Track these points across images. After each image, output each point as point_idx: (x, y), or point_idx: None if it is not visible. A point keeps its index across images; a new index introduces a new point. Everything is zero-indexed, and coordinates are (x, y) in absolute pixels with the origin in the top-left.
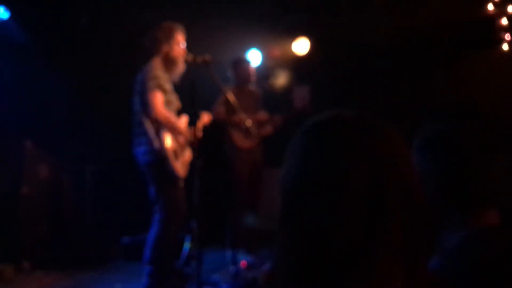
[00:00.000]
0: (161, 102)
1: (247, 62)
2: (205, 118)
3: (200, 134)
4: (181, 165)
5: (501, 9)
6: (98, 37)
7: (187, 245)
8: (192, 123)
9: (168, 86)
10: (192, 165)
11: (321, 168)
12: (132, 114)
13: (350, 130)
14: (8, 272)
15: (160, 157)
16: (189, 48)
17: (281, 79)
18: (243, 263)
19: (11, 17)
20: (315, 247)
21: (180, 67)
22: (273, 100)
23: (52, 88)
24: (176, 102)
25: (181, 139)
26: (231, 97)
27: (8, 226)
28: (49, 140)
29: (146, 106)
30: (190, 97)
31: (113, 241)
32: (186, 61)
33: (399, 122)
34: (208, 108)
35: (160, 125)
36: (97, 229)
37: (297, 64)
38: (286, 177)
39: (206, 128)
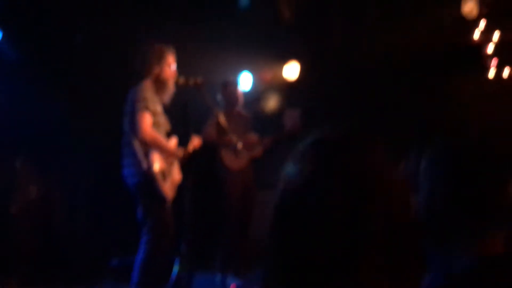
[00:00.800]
0: (149, 123)
1: (235, 85)
2: (196, 141)
3: (189, 156)
4: (169, 186)
5: (487, 37)
6: (91, 56)
7: (176, 268)
8: (183, 144)
9: (158, 108)
10: (182, 186)
11: (303, 189)
12: (122, 134)
13: (329, 150)
14: None
15: (148, 178)
16: (182, 70)
17: (272, 102)
18: (232, 286)
19: (4, 36)
20: (299, 268)
21: (171, 89)
22: (264, 123)
23: (43, 107)
24: (165, 124)
25: (170, 160)
26: (222, 119)
27: None
28: (40, 159)
29: (133, 127)
30: (182, 119)
31: (103, 261)
32: (178, 84)
33: (390, 143)
34: (199, 129)
35: (148, 146)
36: (87, 249)
37: (287, 87)
38: (275, 200)
39: (196, 151)
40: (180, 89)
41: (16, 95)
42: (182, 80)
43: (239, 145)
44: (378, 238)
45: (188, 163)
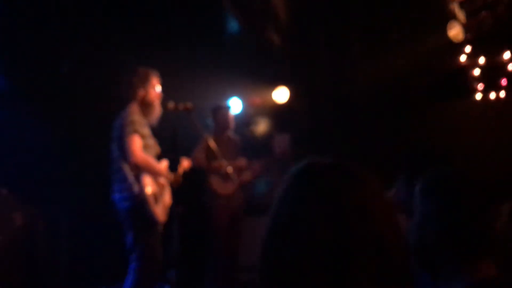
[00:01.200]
0: (139, 146)
1: (227, 110)
2: (185, 163)
3: (179, 179)
4: (161, 210)
5: (473, 60)
6: (78, 85)
7: None
8: (173, 168)
9: (146, 131)
10: (172, 212)
11: (290, 214)
12: (110, 161)
13: (317, 176)
14: None
15: (139, 202)
16: (171, 95)
17: (261, 127)
18: None
19: None
20: None
21: (157, 111)
22: (253, 147)
23: (28, 135)
24: (155, 147)
25: (162, 182)
26: (211, 143)
27: None
28: (24, 187)
29: (124, 151)
30: (172, 143)
31: None
32: (168, 108)
33: (378, 168)
34: (189, 154)
35: (139, 170)
36: (72, 278)
37: (277, 112)
38: (266, 225)
39: (185, 174)
40: (170, 114)
41: (1, 123)
42: (171, 105)
43: (229, 169)
44: (368, 263)
45: (178, 188)
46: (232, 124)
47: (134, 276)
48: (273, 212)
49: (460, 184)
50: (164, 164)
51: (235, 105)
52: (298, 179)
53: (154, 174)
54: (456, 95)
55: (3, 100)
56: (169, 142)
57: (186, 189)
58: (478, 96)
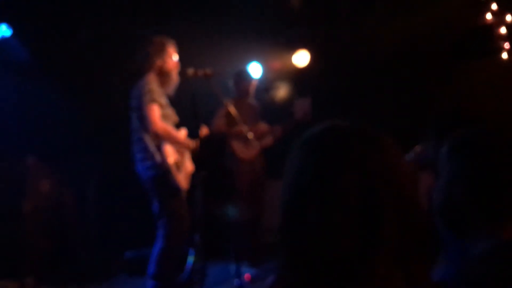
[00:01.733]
0: (158, 115)
1: (248, 76)
2: (204, 131)
3: (198, 147)
4: (183, 177)
5: (499, 18)
6: (98, 54)
7: (190, 259)
8: (194, 135)
9: (164, 100)
10: (194, 178)
11: (315, 180)
12: (130, 131)
13: (342, 141)
14: None
15: (162, 170)
16: (190, 61)
17: (281, 91)
18: (247, 276)
19: (13, 35)
20: (313, 258)
21: (174, 80)
22: (274, 113)
23: (53, 103)
24: (173, 116)
25: (182, 151)
26: (232, 109)
27: (11, 242)
28: (51, 155)
29: (144, 121)
30: (192, 110)
31: (116, 256)
32: (188, 75)
33: (401, 130)
34: (209, 120)
35: (160, 139)
36: (100, 243)
37: (297, 76)
38: (284, 190)
39: (204, 141)
40: (189, 80)
41: (26, 92)
42: (191, 71)
43: (250, 135)
44: (391, 224)
45: (199, 154)
46: (253, 90)
47: (162, 241)
48: (294, 175)
49: (489, 143)
50: (183, 133)
51: (255, 70)
52: (319, 143)
53: (174, 143)
54: (481, 54)
55: (27, 72)
56: (189, 108)
57: (208, 155)
58: (504, 55)
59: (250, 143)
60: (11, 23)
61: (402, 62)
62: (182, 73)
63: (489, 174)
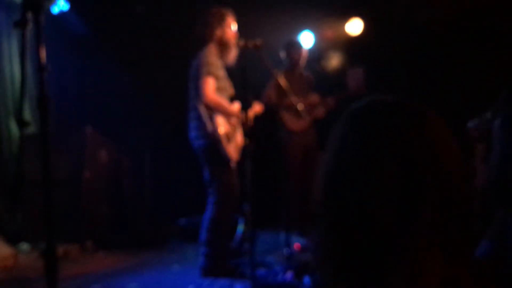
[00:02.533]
0: (212, 88)
1: (300, 45)
2: (257, 107)
3: (251, 122)
4: (233, 149)
5: None
6: (155, 26)
7: (240, 228)
8: (244, 108)
9: (222, 73)
10: (244, 149)
11: (356, 154)
12: (188, 99)
13: (384, 116)
14: (73, 252)
15: (213, 140)
16: (240, 32)
17: (334, 61)
18: (296, 245)
19: (71, 9)
20: (351, 232)
21: (234, 51)
22: (326, 83)
23: (110, 75)
24: (229, 89)
25: (234, 123)
26: (282, 80)
27: (72, 208)
28: (109, 126)
29: (198, 92)
30: (242, 82)
31: (170, 223)
32: (238, 46)
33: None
34: (259, 92)
35: (212, 110)
36: (155, 210)
37: (350, 45)
38: (326, 163)
39: (257, 117)
40: (240, 51)
41: (83, 66)
42: (241, 42)
43: (300, 106)
44: (432, 200)
45: (250, 129)
46: (304, 60)
47: (213, 209)
48: (335, 150)
49: None
50: (236, 106)
51: (306, 40)
52: (362, 118)
53: (226, 115)
54: None
55: (84, 45)
56: (239, 80)
57: (260, 126)
58: None
59: (301, 115)
60: None
61: (461, 31)
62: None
63: None
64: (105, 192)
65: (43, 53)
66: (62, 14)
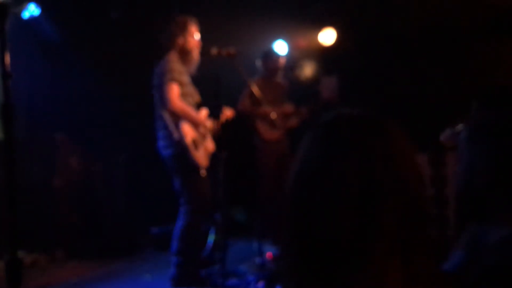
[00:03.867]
0: (176, 94)
1: (276, 55)
2: (228, 113)
3: (219, 128)
4: (202, 156)
5: None
6: (128, 32)
7: (211, 237)
8: (215, 116)
9: (185, 79)
10: (215, 158)
11: (317, 164)
12: (154, 108)
13: (344, 128)
14: (42, 261)
15: (180, 149)
16: (214, 40)
17: (307, 70)
18: (269, 254)
19: (42, 14)
20: (312, 240)
21: (196, 59)
22: (299, 91)
23: (82, 81)
24: (195, 95)
25: (202, 130)
26: (255, 89)
27: (42, 216)
28: (80, 133)
29: (162, 99)
30: (214, 90)
31: (143, 231)
32: (211, 54)
33: (431, 109)
34: (233, 100)
35: (178, 117)
36: (127, 219)
37: (324, 54)
38: (292, 173)
39: (228, 123)
40: (213, 60)
41: (54, 71)
42: (215, 51)
43: (273, 115)
44: (390, 211)
45: (222, 134)
46: (281, 69)
47: (184, 218)
48: (300, 161)
49: (510, 127)
50: (203, 113)
51: (280, 48)
52: (325, 130)
53: (192, 122)
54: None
55: (55, 50)
56: (212, 88)
57: (233, 134)
58: None
59: (275, 124)
60: (39, 2)
61: (433, 39)
62: (206, 53)
63: (509, 159)
64: (76, 199)
65: (7, 60)
66: (33, 19)
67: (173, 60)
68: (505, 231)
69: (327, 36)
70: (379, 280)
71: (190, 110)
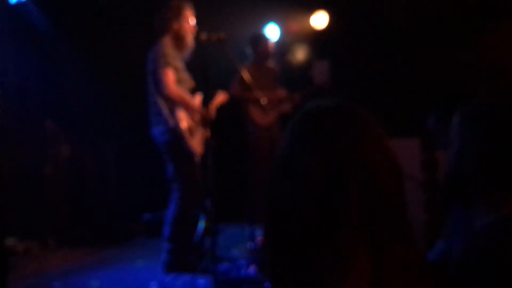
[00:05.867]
0: (172, 79)
1: (267, 39)
2: (221, 97)
3: (213, 113)
4: (197, 143)
5: None
6: (117, 16)
7: (201, 224)
8: (205, 102)
9: (180, 64)
10: (206, 144)
11: (285, 157)
12: (147, 94)
13: (312, 119)
14: (34, 249)
15: (175, 135)
16: (204, 25)
17: (299, 55)
18: (261, 239)
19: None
20: (284, 234)
21: (190, 44)
22: (291, 76)
23: (71, 68)
24: (189, 81)
25: (196, 117)
26: (246, 75)
27: (33, 204)
28: (70, 119)
29: (158, 84)
30: (203, 76)
31: (135, 218)
32: (201, 40)
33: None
34: (223, 86)
35: (173, 103)
36: (119, 206)
37: (316, 38)
38: (271, 166)
39: (222, 107)
40: (203, 46)
41: (44, 57)
42: (204, 36)
43: (263, 101)
44: (355, 200)
45: (212, 121)
46: (272, 53)
47: (176, 204)
48: (277, 153)
49: (502, 115)
50: (197, 99)
51: (272, 32)
52: (295, 121)
53: (187, 108)
54: (506, 15)
55: (44, 37)
56: (201, 75)
57: (226, 120)
58: None
59: (267, 109)
60: None
61: (426, 22)
62: (195, 38)
63: (499, 147)
64: (68, 187)
65: None
66: (20, 4)
67: (167, 45)
68: (491, 217)
69: (319, 20)
70: (347, 268)
71: (186, 97)
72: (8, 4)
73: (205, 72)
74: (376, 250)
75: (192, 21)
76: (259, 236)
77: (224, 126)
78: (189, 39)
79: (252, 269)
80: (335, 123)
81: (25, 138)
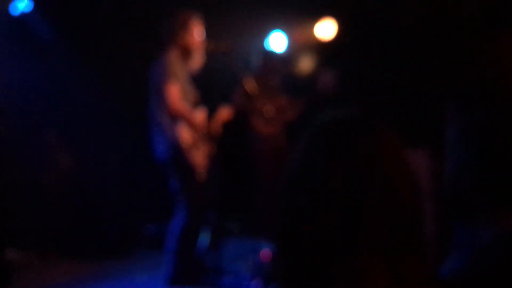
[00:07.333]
0: (176, 94)
1: (272, 50)
2: (225, 113)
3: (219, 129)
4: (200, 157)
5: None
6: (121, 28)
7: (205, 236)
8: (209, 115)
9: (184, 78)
10: (211, 159)
11: (303, 167)
12: (150, 113)
13: (331, 130)
14: (34, 260)
15: (177, 151)
16: (210, 34)
17: (305, 63)
18: (265, 252)
19: (34, 10)
20: (299, 244)
21: (197, 58)
22: (297, 85)
23: (74, 78)
24: (193, 95)
25: (198, 132)
26: (248, 85)
27: (33, 215)
28: (72, 129)
29: (161, 99)
30: (207, 88)
31: (137, 230)
32: (208, 50)
33: (430, 105)
34: (227, 96)
35: (175, 119)
36: (121, 217)
37: (322, 47)
38: (284, 177)
39: (226, 124)
40: (209, 55)
41: (46, 68)
42: (212, 46)
43: (267, 112)
44: (375, 215)
45: (217, 136)
46: (279, 67)
47: (180, 218)
48: (291, 161)
49: (503, 128)
50: (201, 114)
51: (278, 41)
52: (313, 131)
53: (191, 125)
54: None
55: (47, 47)
56: (206, 85)
57: (229, 132)
58: None
59: (271, 119)
60: None
61: (436, 31)
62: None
63: (497, 160)
64: (68, 197)
65: None
66: (24, 15)
67: (172, 58)
68: (496, 232)
69: (326, 29)
70: (363, 279)
71: (188, 113)
72: (10, 15)
73: (210, 82)
74: (393, 262)
75: (200, 32)
76: (263, 249)
77: (229, 137)
78: (196, 53)
79: (256, 282)
80: (354, 136)
81: (26, 147)
